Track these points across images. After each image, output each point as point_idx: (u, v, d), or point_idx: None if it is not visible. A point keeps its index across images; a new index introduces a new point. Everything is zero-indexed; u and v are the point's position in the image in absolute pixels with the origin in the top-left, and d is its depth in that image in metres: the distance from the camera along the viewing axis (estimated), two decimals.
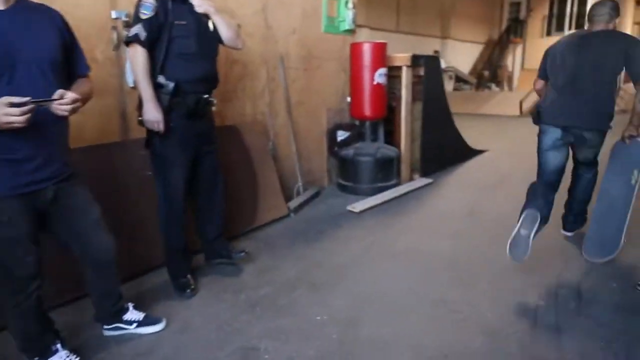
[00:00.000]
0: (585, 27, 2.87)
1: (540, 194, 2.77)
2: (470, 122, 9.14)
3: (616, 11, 2.70)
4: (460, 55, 17.28)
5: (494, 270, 2.68)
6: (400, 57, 4.46)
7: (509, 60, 19.71)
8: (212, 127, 2.60)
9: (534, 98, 11.18)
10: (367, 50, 4.14)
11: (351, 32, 4.53)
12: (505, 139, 7.37)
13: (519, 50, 20.08)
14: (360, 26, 12.37)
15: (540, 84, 3.01)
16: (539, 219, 2.58)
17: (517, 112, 10.35)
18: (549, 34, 19.74)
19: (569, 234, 3.16)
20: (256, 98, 3.74)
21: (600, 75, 2.62)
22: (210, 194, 2.61)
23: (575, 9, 19.30)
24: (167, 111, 2.25)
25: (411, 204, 4.00)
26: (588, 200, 3.06)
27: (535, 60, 17.98)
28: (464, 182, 4.71)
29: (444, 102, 5.08)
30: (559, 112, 2.71)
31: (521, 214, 2.67)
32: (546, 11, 19.72)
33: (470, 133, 6.91)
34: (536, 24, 19.89)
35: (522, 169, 5.11)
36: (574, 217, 3.12)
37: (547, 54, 2.95)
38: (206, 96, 2.41)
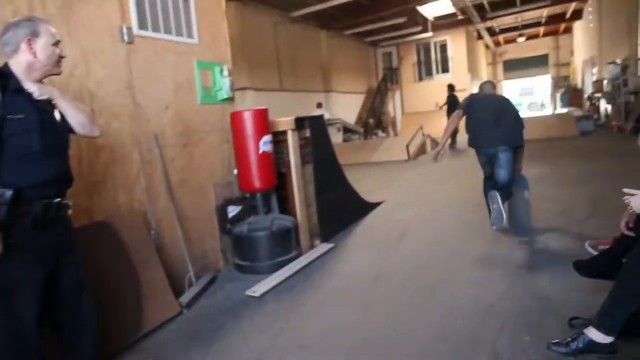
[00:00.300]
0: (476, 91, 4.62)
1: (489, 185, 4.07)
2: (363, 172, 9.34)
3: (494, 85, 4.52)
4: (345, 106, 18.07)
5: (412, 346, 2.50)
6: (284, 121, 4.35)
7: (390, 107, 21.03)
8: (69, 234, 2.18)
9: (418, 142, 11.88)
10: (248, 118, 3.96)
11: (230, 100, 4.35)
12: (398, 187, 7.56)
13: (397, 96, 21.57)
14: (244, 88, 12.46)
15: (460, 113, 4.28)
16: (498, 194, 3.80)
17: (406, 157, 10.82)
18: (420, 79, 21.56)
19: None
20: (130, 185, 3.35)
21: (509, 117, 4.08)
22: (75, 318, 2.15)
23: (439, 55, 21.38)
24: (5, 225, 1.82)
25: (315, 275, 3.78)
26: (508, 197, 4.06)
27: (413, 104, 19.46)
28: (365, 242, 4.61)
29: (334, 161, 5.04)
30: (485, 142, 4.07)
31: (487, 199, 4.00)
32: (415, 59, 21.58)
33: (364, 185, 7.00)
34: (408, 71, 21.63)
35: (419, 220, 5.18)
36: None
37: (471, 100, 4.36)
38: (58, 200, 2.01)
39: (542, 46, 27.99)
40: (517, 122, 4.10)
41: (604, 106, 14.15)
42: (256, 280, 3.69)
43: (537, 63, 28.06)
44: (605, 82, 13.85)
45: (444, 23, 18.81)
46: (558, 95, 25.01)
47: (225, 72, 4.24)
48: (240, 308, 3.26)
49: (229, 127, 4.18)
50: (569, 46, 26.23)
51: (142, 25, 3.47)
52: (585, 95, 18.92)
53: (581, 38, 22.35)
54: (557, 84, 26.95)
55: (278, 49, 14.24)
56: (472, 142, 4.22)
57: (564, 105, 23.13)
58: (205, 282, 3.68)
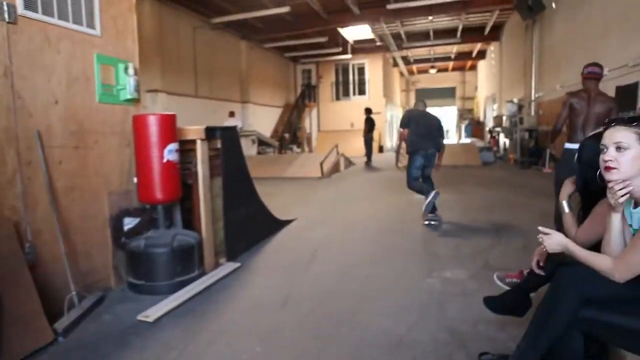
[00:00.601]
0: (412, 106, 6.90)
1: (420, 185, 5.78)
2: (276, 187, 9.15)
3: (425, 104, 6.25)
4: (261, 118, 17.86)
5: None
6: (193, 130, 4.02)
7: (306, 123, 21.15)
8: None
9: (332, 160, 11.96)
10: (152, 123, 3.58)
11: (134, 101, 3.95)
12: (311, 204, 7.46)
13: (314, 113, 21.79)
14: (156, 91, 11.80)
15: (406, 131, 5.87)
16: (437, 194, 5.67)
17: (319, 174, 10.80)
18: (337, 98, 22.00)
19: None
20: (1, 189, 2.84)
21: (434, 130, 5.88)
22: None
23: (356, 77, 22.00)
24: None
25: (219, 298, 3.46)
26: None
27: (329, 122, 19.99)
28: (274, 261, 4.37)
29: (245, 175, 4.77)
30: (423, 147, 5.72)
31: (413, 188, 5.84)
32: (333, 78, 22.01)
33: (276, 201, 6.81)
34: (326, 90, 21.98)
35: (331, 240, 5.06)
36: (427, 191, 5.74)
37: (408, 116, 5.95)
38: None
39: (450, 79, 30.05)
40: (440, 134, 5.94)
41: (503, 140, 15.31)
42: (152, 302, 3.30)
43: (445, 94, 30.01)
44: (504, 118, 15.02)
45: (363, 47, 19.43)
46: (463, 126, 26.85)
47: (131, 71, 3.84)
48: (129, 335, 2.86)
49: (132, 131, 3.78)
50: (473, 82, 28.40)
51: (30, 5, 2.99)
52: (487, 128, 20.44)
53: (485, 76, 24.27)
54: (462, 115, 29.01)
55: (196, 54, 13.74)
56: (412, 147, 5.80)
57: (467, 135, 24.87)
58: (91, 303, 3.22)
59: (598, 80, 4.39)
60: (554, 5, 11.22)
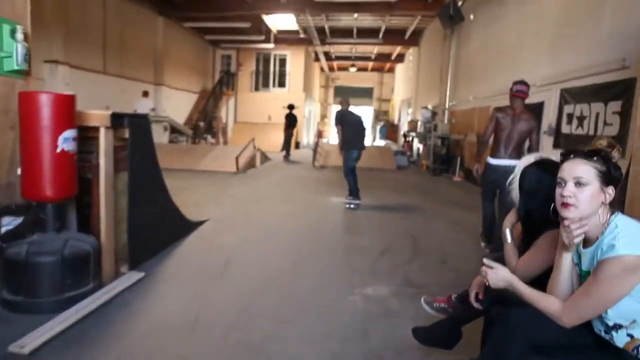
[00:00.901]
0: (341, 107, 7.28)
1: (354, 180, 6.89)
2: (187, 181, 8.53)
3: (349, 103, 7.20)
4: (176, 103, 16.84)
5: None
6: (96, 115, 3.43)
7: (223, 112, 20.35)
8: None
9: (248, 154, 11.49)
10: (45, 104, 2.94)
11: (23, 74, 3.29)
12: (225, 202, 6.98)
13: (232, 102, 21.05)
14: (56, 62, 10.52)
15: (339, 128, 6.84)
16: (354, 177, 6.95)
17: (234, 169, 10.27)
18: (257, 89, 21.46)
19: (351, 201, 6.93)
20: None
21: (363, 129, 7.09)
22: None
23: (277, 68, 21.62)
24: None
25: (117, 318, 2.94)
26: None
27: (246, 113, 19.42)
28: (183, 270, 3.88)
29: (156, 171, 4.22)
30: (357, 144, 6.87)
31: (349, 178, 6.90)
32: (254, 67, 21.44)
33: (187, 197, 6.32)
34: (245, 78, 21.35)
35: (246, 246, 4.68)
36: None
37: (342, 115, 6.92)
38: None
39: (369, 80, 30.69)
40: (365, 133, 7.14)
41: (417, 145, 15.77)
42: (34, 323, 2.69)
43: (363, 94, 30.58)
44: (419, 123, 15.46)
45: (287, 38, 19.08)
46: (378, 127, 27.52)
47: (20, 35, 3.18)
48: None
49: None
50: (391, 84, 29.21)
51: None
52: (401, 132, 21.01)
53: (402, 79, 25.02)
54: (377, 116, 29.75)
55: (106, 25, 12.51)
56: (347, 144, 6.78)
57: (382, 137, 25.49)
58: None
59: (524, 99, 4.51)
60: (472, 16, 11.62)
